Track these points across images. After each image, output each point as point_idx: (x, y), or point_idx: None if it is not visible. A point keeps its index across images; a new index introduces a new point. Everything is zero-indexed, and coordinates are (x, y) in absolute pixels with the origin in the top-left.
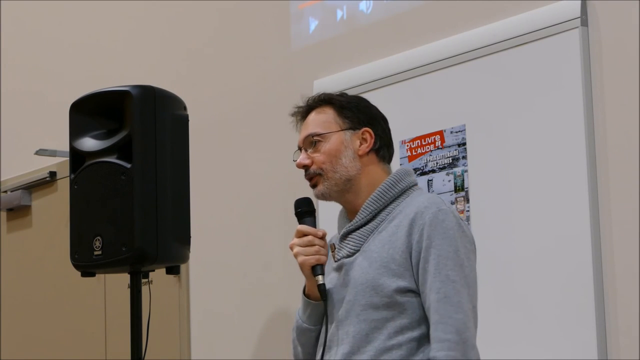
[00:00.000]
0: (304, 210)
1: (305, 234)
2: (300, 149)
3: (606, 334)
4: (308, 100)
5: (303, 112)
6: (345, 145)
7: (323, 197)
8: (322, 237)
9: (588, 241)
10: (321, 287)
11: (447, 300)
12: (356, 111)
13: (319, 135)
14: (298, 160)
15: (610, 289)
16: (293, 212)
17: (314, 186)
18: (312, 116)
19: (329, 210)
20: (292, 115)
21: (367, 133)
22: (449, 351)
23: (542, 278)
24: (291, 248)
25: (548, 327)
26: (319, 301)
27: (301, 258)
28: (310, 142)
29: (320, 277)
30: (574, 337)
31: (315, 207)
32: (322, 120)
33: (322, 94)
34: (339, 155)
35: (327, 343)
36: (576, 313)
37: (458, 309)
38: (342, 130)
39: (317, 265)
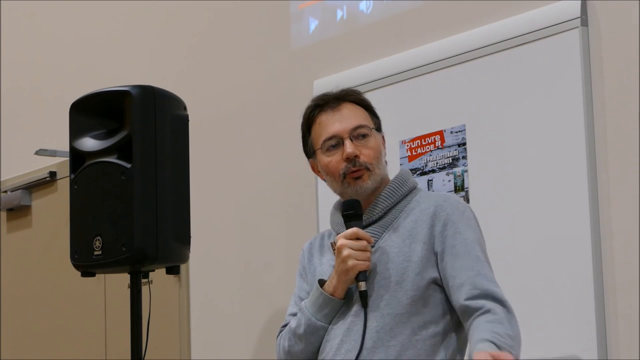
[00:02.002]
0: (355, 214)
1: (359, 238)
2: (339, 139)
3: (606, 334)
4: (338, 93)
5: (332, 103)
6: (381, 145)
7: (365, 192)
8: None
9: (588, 241)
10: (363, 294)
11: (483, 276)
12: (377, 114)
13: (369, 128)
14: (350, 150)
15: (610, 289)
16: (293, 211)
17: (358, 178)
18: (351, 108)
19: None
20: (318, 102)
21: (383, 138)
22: (497, 305)
23: (542, 278)
24: (341, 249)
25: (548, 326)
26: (343, 300)
27: (353, 262)
28: (360, 134)
29: (362, 283)
30: (574, 337)
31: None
32: (363, 115)
33: (350, 89)
34: (381, 153)
35: (342, 338)
36: (576, 313)
37: (495, 284)
38: (376, 129)
39: (364, 271)
